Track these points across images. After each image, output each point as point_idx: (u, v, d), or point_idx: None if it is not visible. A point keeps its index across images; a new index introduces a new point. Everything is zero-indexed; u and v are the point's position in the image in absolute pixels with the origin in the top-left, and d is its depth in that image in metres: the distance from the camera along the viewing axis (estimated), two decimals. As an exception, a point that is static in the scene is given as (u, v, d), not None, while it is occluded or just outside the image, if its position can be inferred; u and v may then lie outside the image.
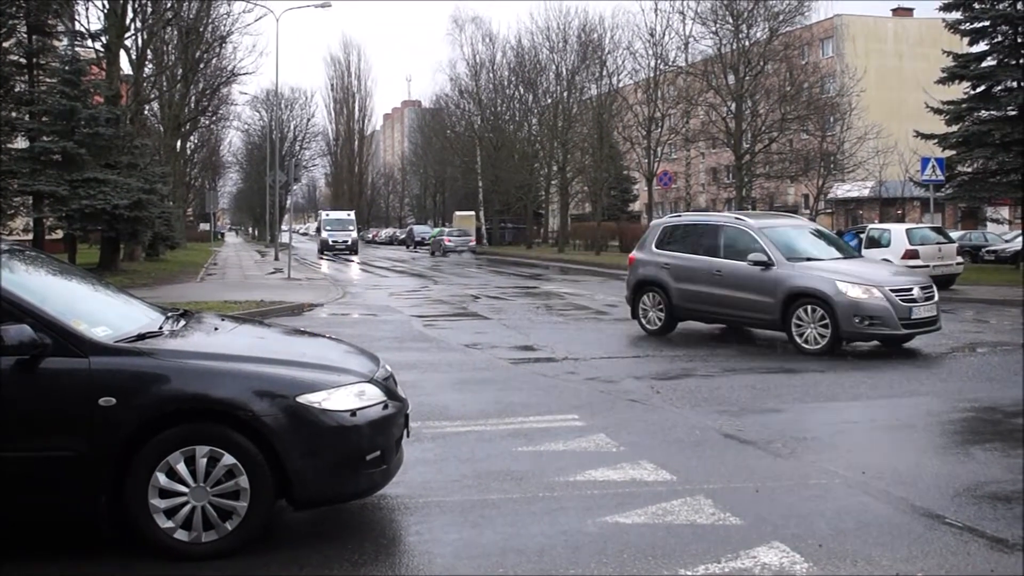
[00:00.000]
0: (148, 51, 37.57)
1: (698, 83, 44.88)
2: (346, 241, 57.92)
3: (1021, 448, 7.69)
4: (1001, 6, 30.83)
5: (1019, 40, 31.05)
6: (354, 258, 52.98)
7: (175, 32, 40.42)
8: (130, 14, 32.56)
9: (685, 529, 5.66)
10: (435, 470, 6.96)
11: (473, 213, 73.90)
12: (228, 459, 5.14)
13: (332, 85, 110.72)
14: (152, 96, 40.83)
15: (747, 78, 41.50)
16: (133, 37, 35.01)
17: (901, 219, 50.60)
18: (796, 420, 8.89)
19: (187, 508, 5.13)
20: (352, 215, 63.09)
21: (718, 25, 43.16)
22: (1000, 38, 31.49)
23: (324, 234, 59.82)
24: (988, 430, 8.55)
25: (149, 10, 34.96)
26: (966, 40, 32.74)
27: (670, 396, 10.02)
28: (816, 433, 8.34)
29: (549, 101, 61.86)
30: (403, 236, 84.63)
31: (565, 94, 59.27)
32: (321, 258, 52.10)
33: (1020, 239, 33.88)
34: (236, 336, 6.36)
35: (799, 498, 6.31)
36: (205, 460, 5.14)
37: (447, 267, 42.11)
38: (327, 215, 63.72)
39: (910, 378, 11.23)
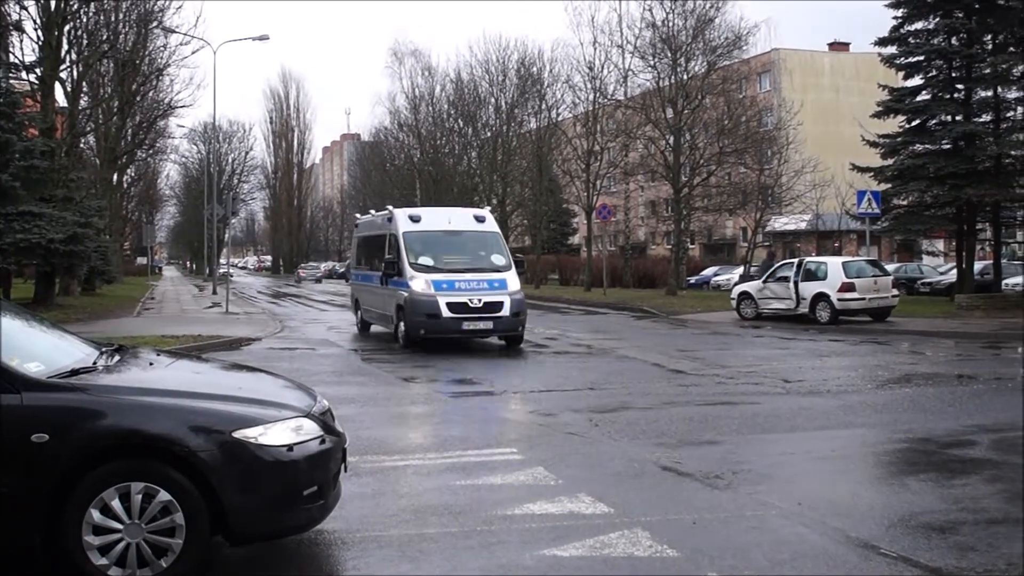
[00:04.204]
0: (84, 83, 37.06)
1: (637, 116, 45.37)
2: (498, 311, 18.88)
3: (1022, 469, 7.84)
4: (935, 41, 31.71)
5: (953, 75, 31.96)
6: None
7: (111, 64, 39.93)
8: (65, 46, 32.10)
9: (623, 562, 5.69)
10: (373, 504, 6.92)
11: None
12: (163, 495, 5.08)
13: (271, 118, 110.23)
14: (88, 129, 40.23)
15: (685, 111, 42.10)
16: (68, 69, 34.53)
17: (838, 252, 51.56)
18: (733, 452, 9.00)
19: (121, 545, 5.05)
20: (487, 218, 21.17)
21: (656, 59, 43.77)
22: (935, 73, 32.37)
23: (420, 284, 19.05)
24: (922, 461, 8.72)
25: (85, 42, 34.54)
26: (901, 74, 33.53)
27: (608, 429, 10.08)
28: (753, 465, 8.44)
29: (489, 134, 62.13)
30: (342, 270, 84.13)
31: (504, 127, 59.59)
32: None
33: (955, 272, 34.71)
34: (172, 371, 6.30)
35: (736, 530, 6.38)
36: (140, 496, 5.07)
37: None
38: (415, 219, 20.83)
39: (846, 410, 11.43)
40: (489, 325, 18.22)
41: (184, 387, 5.71)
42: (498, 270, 18.93)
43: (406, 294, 18.34)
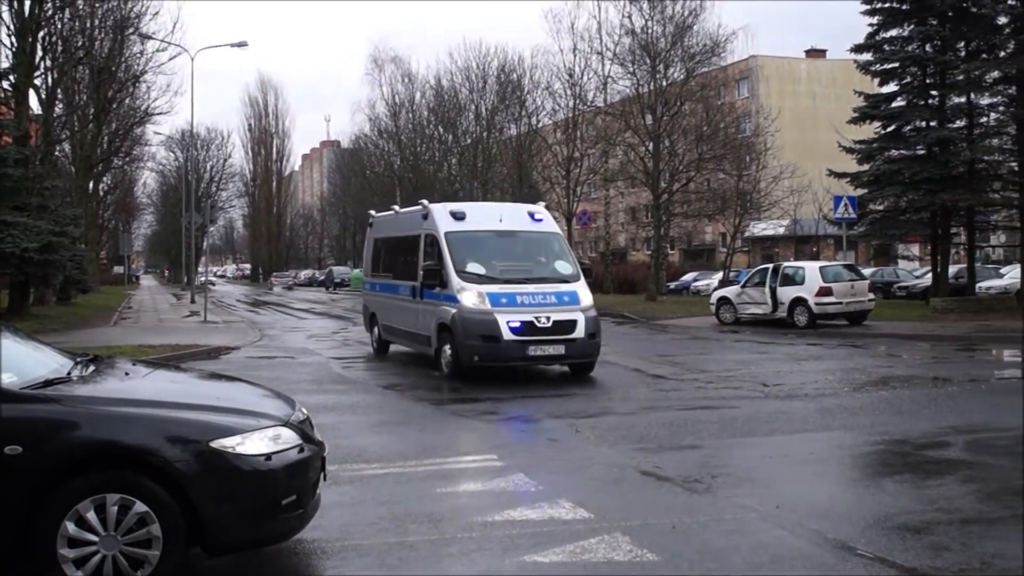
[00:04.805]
0: (59, 90, 36.76)
1: (616, 123, 45.52)
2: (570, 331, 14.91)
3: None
4: (910, 48, 32.02)
5: (928, 81, 32.26)
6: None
7: (87, 71, 39.65)
8: (39, 52, 31.87)
9: (603, 567, 5.71)
10: (353, 513, 6.90)
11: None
12: (140, 507, 5.04)
13: (249, 125, 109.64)
14: (63, 136, 39.90)
15: (664, 118, 42.26)
16: (43, 76, 34.25)
17: (815, 257, 51.89)
18: (713, 456, 9.02)
19: (97, 557, 5.01)
20: (544, 215, 17.03)
21: (636, 65, 43.93)
22: (909, 79, 32.68)
23: (473, 298, 14.93)
24: (898, 462, 8.79)
25: (59, 49, 34.28)
26: (877, 81, 33.85)
27: (589, 434, 10.10)
28: (732, 469, 8.47)
29: (469, 141, 62.19)
30: (322, 277, 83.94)
31: (485, 134, 59.68)
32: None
33: (930, 276, 34.99)
34: (149, 381, 6.26)
35: (715, 533, 6.41)
36: (116, 508, 5.03)
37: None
38: (458, 216, 16.25)
39: (824, 413, 11.49)
40: (560, 350, 14.52)
41: (161, 397, 5.68)
42: (565, 280, 15.31)
43: (453, 311, 14.64)
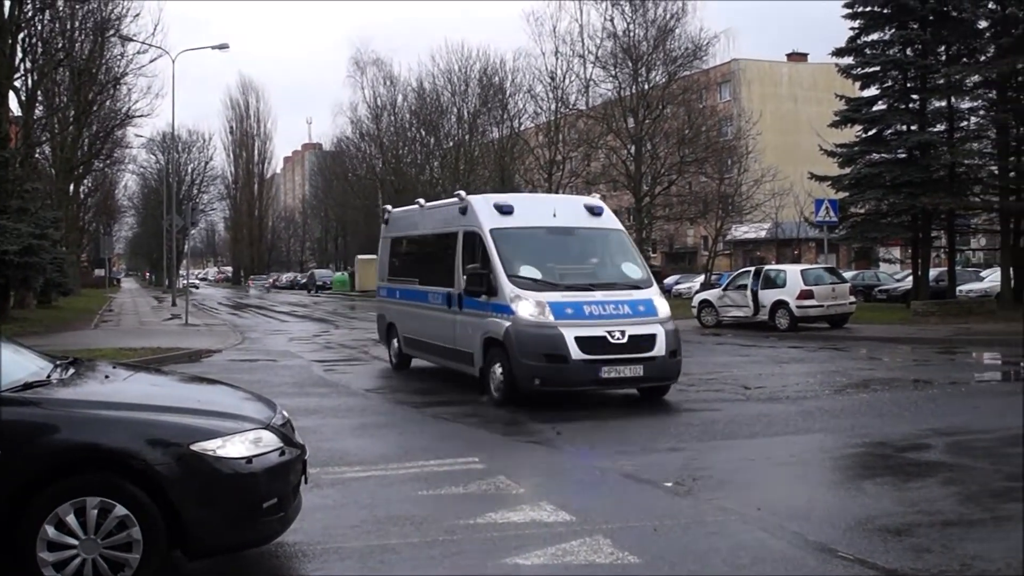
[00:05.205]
0: (39, 92, 36.56)
1: (598, 126, 45.61)
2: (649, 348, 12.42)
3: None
4: (891, 52, 32.26)
5: (908, 85, 32.51)
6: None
7: (67, 73, 39.39)
8: (19, 54, 31.68)
9: (584, 569, 5.71)
10: (334, 516, 6.88)
11: (375, 257, 73.45)
12: (120, 510, 5.01)
13: (231, 128, 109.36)
14: (43, 139, 39.62)
15: (646, 121, 42.39)
16: (23, 78, 34.06)
17: (797, 260, 52.14)
18: (694, 459, 9.05)
19: (77, 561, 4.98)
20: (604, 210, 14.50)
21: (617, 69, 44.07)
22: (890, 83, 32.92)
23: (530, 308, 12.39)
24: (879, 464, 8.84)
25: (39, 50, 34.09)
26: (858, 84, 34.08)
27: (571, 437, 10.11)
28: (714, 471, 8.49)
29: (451, 144, 62.16)
30: (304, 280, 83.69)
31: (467, 137, 59.66)
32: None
33: (910, 279, 35.22)
34: (129, 384, 6.23)
35: (696, 535, 6.43)
36: (96, 511, 5.00)
37: (348, 311, 41.73)
38: (504, 210, 13.77)
39: (805, 415, 11.54)
40: (638, 371, 12.01)
41: (141, 400, 5.65)
42: (635, 286, 12.96)
43: (507, 324, 12.16)
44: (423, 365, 16.39)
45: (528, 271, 12.74)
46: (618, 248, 13.92)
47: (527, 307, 12.14)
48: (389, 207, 18.84)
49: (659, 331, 12.30)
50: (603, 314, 12.13)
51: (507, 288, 12.41)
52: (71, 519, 4.97)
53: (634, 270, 13.42)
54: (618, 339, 11.96)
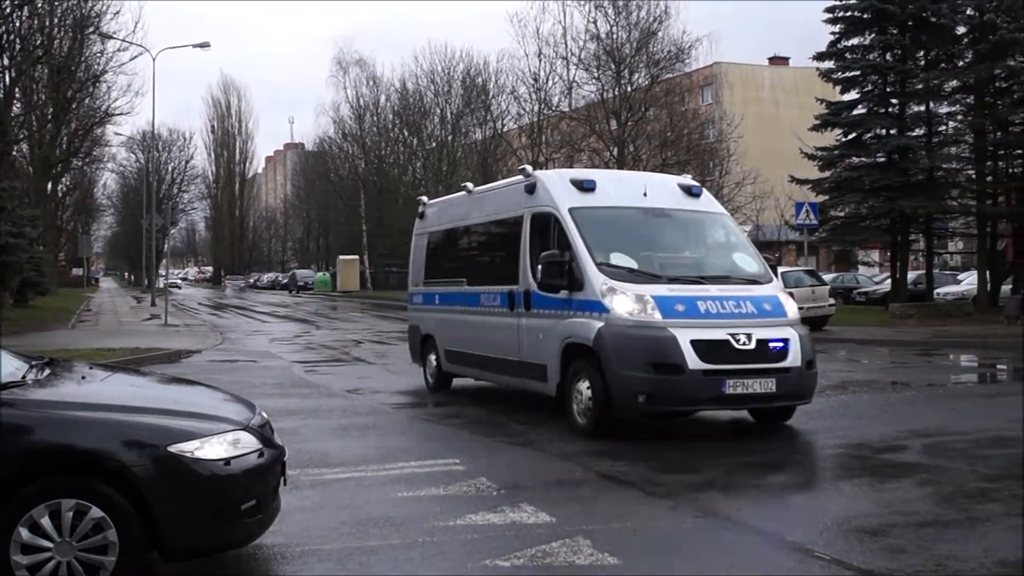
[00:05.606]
0: (16, 89, 36.27)
1: (581, 128, 45.72)
2: (781, 358, 9.98)
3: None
4: (871, 56, 32.53)
5: (888, 90, 32.79)
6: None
7: (45, 70, 39.12)
8: (-3, 51, 31.48)
9: (564, 570, 5.71)
10: (313, 518, 6.85)
11: (357, 257, 73.40)
12: (96, 512, 4.96)
13: (212, 127, 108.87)
14: (21, 136, 39.34)
15: (629, 123, 42.51)
16: (0, 75, 33.81)
17: (777, 262, 52.35)
18: (674, 460, 9.06)
19: (51, 564, 4.92)
20: (702, 190, 12.24)
21: (600, 71, 44.20)
22: (870, 87, 33.20)
23: (629, 303, 9.93)
24: (856, 466, 8.89)
25: (17, 47, 33.83)
26: (838, 88, 34.34)
27: (552, 438, 10.10)
28: (693, 472, 8.51)
29: (434, 144, 62.20)
30: (285, 280, 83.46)
31: (450, 138, 59.73)
32: None
33: (889, 281, 35.46)
34: (106, 385, 6.18)
35: (675, 537, 6.44)
36: (71, 514, 4.94)
37: (329, 312, 41.64)
38: (584, 186, 11.32)
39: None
40: (770, 386, 9.64)
41: (118, 401, 5.60)
42: (754, 280, 10.74)
43: (598, 324, 9.79)
44: (404, 367, 16.30)
45: (621, 259, 10.45)
46: (725, 235, 11.78)
47: (625, 302, 9.78)
48: (424, 198, 15.89)
49: (792, 336, 10.02)
50: (722, 312, 9.84)
51: (597, 280, 10.03)
52: (46, 521, 4.92)
53: (748, 261, 11.23)
54: (744, 344, 9.63)
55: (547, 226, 11.11)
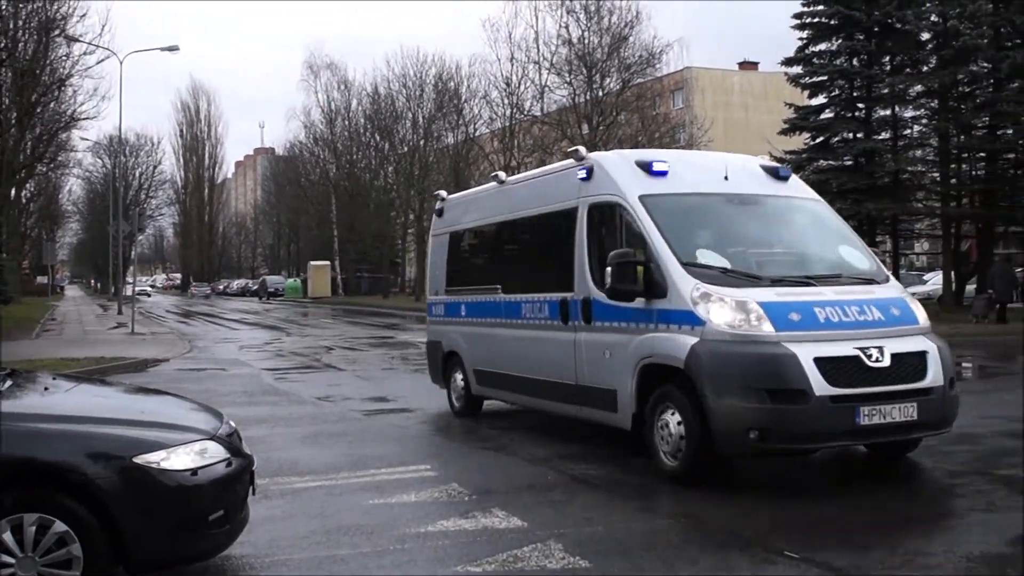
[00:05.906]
0: (-21, 94, 35.86)
1: (553, 132, 45.84)
2: (920, 377, 7.90)
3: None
4: (838, 62, 32.96)
5: (855, 94, 33.22)
6: None
7: (9, 73, 38.63)
8: (-40, 56, 31.04)
9: (536, 575, 5.70)
10: (283, 527, 6.79)
11: (328, 263, 73.12)
12: (59, 526, 4.88)
13: (181, 131, 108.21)
14: (-16, 142, 38.86)
15: (601, 128, 42.65)
16: (-36, 80, 33.38)
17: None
18: (647, 463, 9.06)
19: (14, 580, 4.84)
20: (790, 174, 10.05)
21: (572, 75, 44.33)
22: (837, 92, 33.63)
23: (730, 312, 7.76)
24: (826, 464, 8.95)
25: (-19, 51, 33.42)
26: (806, 93, 34.77)
27: (523, 443, 10.10)
28: (664, 475, 8.51)
29: (406, 149, 62.03)
30: (255, 287, 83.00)
31: (422, 142, 59.60)
32: None
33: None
34: (70, 395, 6.10)
35: (647, 539, 6.44)
36: (34, 528, 4.86)
37: (300, 318, 41.43)
38: (653, 170, 9.09)
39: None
40: (911, 412, 7.61)
41: (82, 412, 5.52)
42: (870, 279, 8.75)
43: (691, 340, 7.78)
44: (375, 373, 16.24)
45: (710, 257, 8.47)
46: (825, 225, 9.64)
47: (725, 312, 7.76)
48: (443, 193, 13.83)
49: (930, 348, 8.07)
50: (845, 321, 7.83)
51: (686, 284, 8.01)
52: (7, 536, 4.83)
53: (857, 256, 9.14)
54: (877, 361, 7.63)
55: (610, 219, 9.22)
